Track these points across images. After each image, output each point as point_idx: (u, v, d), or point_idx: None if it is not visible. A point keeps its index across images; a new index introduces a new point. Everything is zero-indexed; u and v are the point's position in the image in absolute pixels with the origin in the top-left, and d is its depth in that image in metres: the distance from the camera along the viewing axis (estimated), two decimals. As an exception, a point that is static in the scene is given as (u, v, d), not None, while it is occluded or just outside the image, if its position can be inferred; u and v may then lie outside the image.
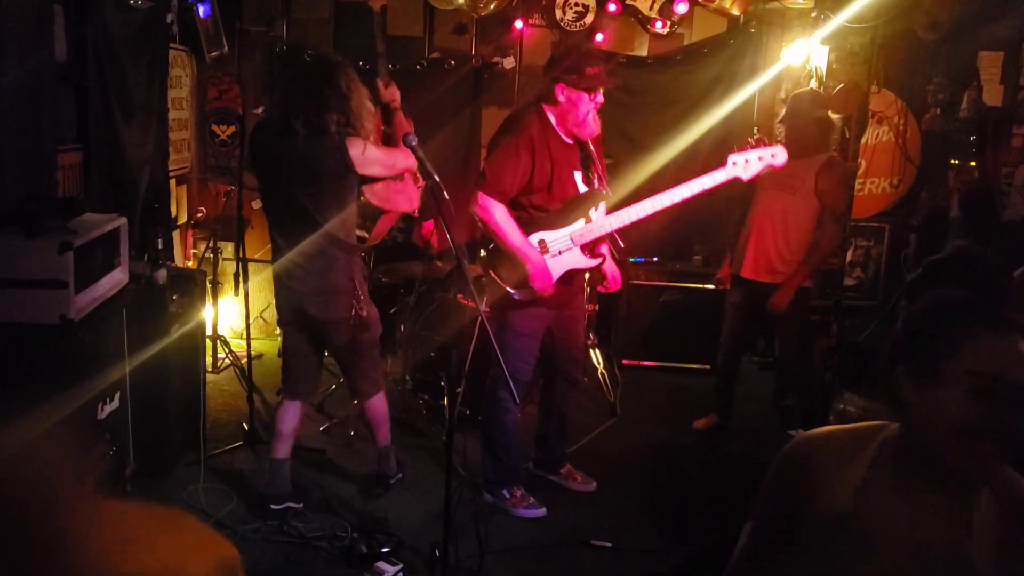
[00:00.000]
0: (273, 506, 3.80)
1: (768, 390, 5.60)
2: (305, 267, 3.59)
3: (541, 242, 3.78)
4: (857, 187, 6.11)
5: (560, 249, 3.79)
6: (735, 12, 6.25)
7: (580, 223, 3.79)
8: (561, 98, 3.70)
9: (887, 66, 6.06)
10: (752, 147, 3.71)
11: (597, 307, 6.06)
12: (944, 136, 6.12)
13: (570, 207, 3.80)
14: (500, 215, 3.68)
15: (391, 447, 4.12)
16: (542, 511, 4.06)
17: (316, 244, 3.54)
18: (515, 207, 3.77)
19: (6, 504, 0.91)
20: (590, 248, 3.84)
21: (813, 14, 5.93)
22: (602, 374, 5.65)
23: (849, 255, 6.28)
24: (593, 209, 3.80)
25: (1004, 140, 5.63)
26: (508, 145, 3.69)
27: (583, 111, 3.69)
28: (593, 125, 3.75)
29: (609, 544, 3.77)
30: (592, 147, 3.87)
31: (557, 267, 3.79)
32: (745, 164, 3.71)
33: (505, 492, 4.08)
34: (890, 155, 6.39)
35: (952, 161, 6.05)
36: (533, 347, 3.96)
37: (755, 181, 4.77)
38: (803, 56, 6.05)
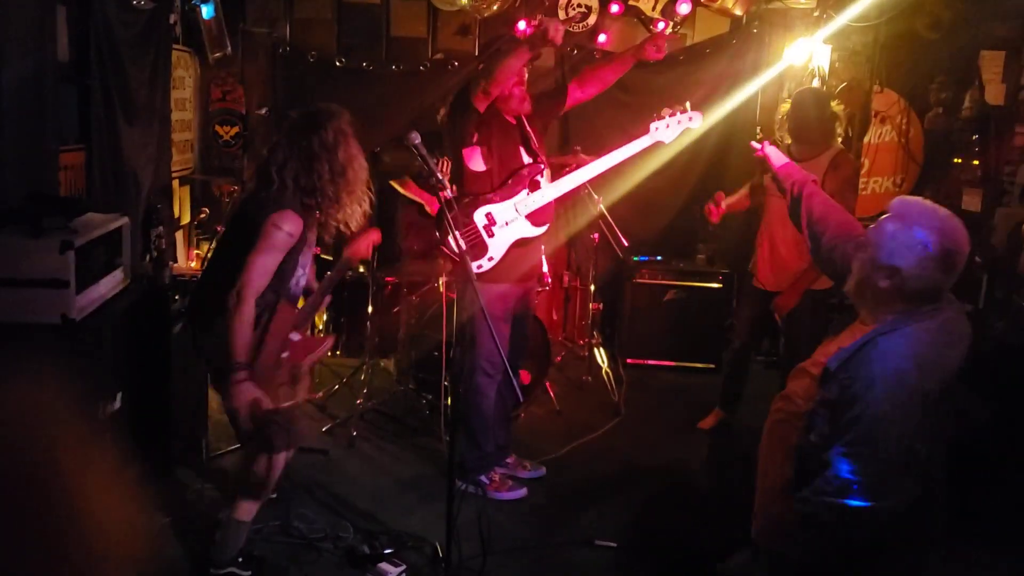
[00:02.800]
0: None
1: (774, 389, 5.58)
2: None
3: (488, 215, 3.96)
4: (860, 186, 6.09)
5: (507, 220, 3.99)
6: (737, 12, 6.25)
7: (523, 193, 4.01)
8: None
9: (889, 65, 6.05)
10: (671, 115, 4.07)
11: (601, 306, 6.07)
12: (947, 135, 6.11)
13: (512, 179, 4.03)
14: None
15: (246, 526, 3.36)
16: (523, 491, 4.13)
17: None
18: (460, 192, 4.00)
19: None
20: (534, 217, 4.04)
21: (815, 13, 5.92)
22: (606, 373, 5.64)
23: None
24: (537, 178, 4.04)
25: (1007, 139, 5.62)
26: None
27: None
28: (518, 102, 3.97)
29: (614, 544, 3.75)
30: (528, 125, 4.10)
31: (507, 237, 3.99)
32: (666, 128, 4.07)
33: (484, 478, 4.11)
34: (893, 154, 6.38)
35: (955, 160, 6.03)
36: (504, 329, 4.07)
37: (767, 189, 4.68)
38: (805, 55, 6.04)
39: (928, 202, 2.42)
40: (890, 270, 2.33)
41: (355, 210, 3.23)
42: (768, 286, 4.67)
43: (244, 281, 2.97)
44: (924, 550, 2.51)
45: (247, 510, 3.31)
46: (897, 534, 2.35)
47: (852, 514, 2.26)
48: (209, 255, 3.39)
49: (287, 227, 3.03)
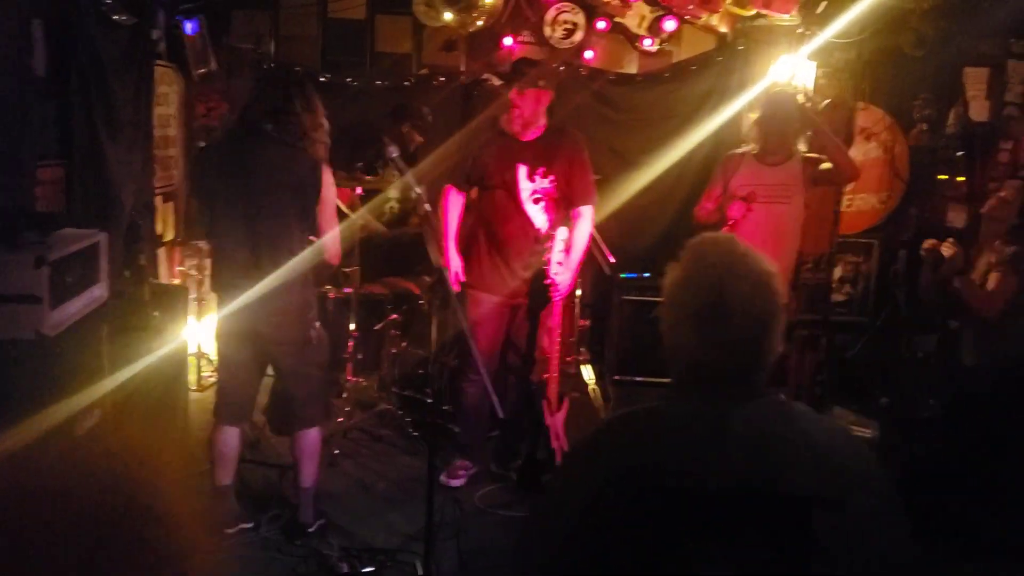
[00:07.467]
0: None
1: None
2: (264, 283, 3.42)
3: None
4: (846, 203, 6.11)
5: None
6: (723, 29, 6.28)
7: None
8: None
9: (873, 82, 6.07)
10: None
11: (588, 322, 6.05)
12: (931, 152, 6.13)
13: None
14: None
15: (314, 490, 3.81)
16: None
17: (279, 260, 3.45)
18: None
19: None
20: None
21: (799, 30, 5.94)
22: (594, 390, 5.61)
23: (839, 271, 6.26)
24: None
25: (992, 155, 5.63)
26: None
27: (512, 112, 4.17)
28: (515, 124, 4.16)
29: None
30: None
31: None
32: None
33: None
34: (878, 171, 6.38)
35: (940, 177, 6.05)
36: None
37: (734, 194, 4.60)
38: (790, 72, 6.05)
39: None
40: None
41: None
42: None
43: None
44: None
45: (312, 476, 3.75)
46: None
47: None
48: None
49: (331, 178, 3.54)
